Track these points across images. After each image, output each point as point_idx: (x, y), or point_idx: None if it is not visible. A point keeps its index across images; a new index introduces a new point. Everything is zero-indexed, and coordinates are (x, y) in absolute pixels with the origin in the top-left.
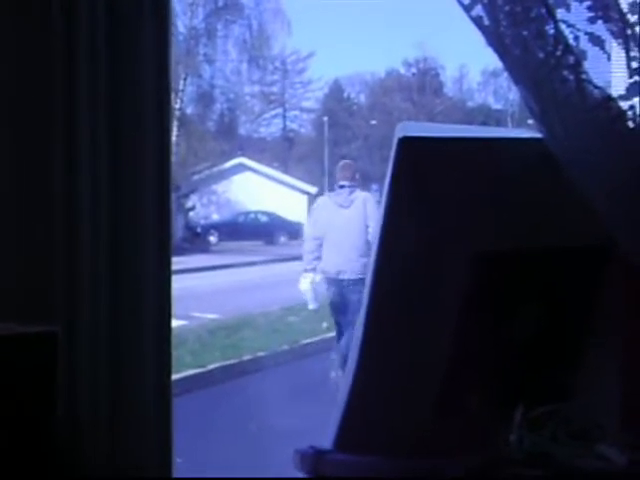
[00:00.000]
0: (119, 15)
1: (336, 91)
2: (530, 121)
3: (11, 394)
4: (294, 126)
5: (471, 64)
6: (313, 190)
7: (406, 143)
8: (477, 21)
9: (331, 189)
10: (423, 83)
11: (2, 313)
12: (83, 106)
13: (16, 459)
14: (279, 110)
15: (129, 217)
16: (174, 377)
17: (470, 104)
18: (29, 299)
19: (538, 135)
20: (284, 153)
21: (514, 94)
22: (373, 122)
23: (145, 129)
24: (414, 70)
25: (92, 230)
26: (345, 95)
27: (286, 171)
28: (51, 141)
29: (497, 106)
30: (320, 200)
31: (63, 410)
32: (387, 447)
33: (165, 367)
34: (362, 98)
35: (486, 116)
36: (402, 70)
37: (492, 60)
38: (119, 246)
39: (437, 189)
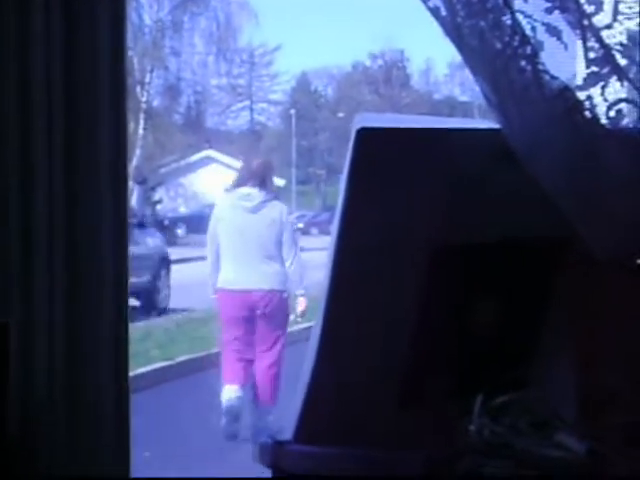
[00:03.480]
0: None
1: (303, 84)
2: None
3: None
4: (261, 119)
5: (437, 56)
6: (281, 182)
7: (364, 134)
8: (434, 11)
9: (299, 181)
10: (389, 76)
11: None
12: (37, 105)
13: None
14: (246, 103)
15: (84, 212)
16: (142, 370)
17: (437, 96)
18: None
19: (497, 126)
20: (251, 146)
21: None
22: (340, 114)
23: (101, 126)
24: (380, 62)
25: (47, 223)
26: (312, 88)
27: None
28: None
29: (464, 98)
30: None
31: (17, 408)
32: (347, 438)
33: (122, 364)
34: (329, 91)
35: (452, 108)
36: (368, 63)
37: None
38: (75, 238)
39: (395, 180)
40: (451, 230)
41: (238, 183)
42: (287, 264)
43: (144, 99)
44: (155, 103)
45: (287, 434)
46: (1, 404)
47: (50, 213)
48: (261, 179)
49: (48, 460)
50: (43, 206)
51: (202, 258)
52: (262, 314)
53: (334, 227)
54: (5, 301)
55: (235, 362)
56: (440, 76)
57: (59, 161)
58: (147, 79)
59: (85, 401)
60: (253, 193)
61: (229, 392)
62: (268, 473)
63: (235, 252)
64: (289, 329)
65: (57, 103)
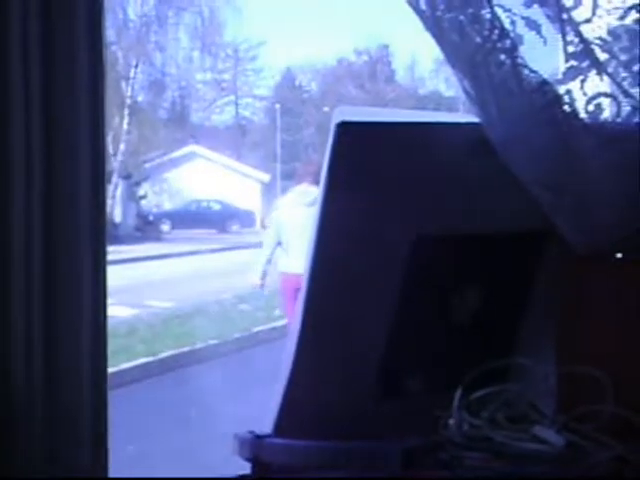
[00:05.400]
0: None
1: (288, 79)
2: None
3: None
4: (246, 114)
5: (423, 52)
6: (266, 178)
7: (344, 128)
8: (414, 5)
9: (284, 176)
10: (374, 71)
11: None
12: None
13: None
14: (231, 98)
15: (62, 209)
16: (127, 365)
17: (422, 91)
18: None
19: (477, 120)
20: (236, 141)
21: None
22: (325, 109)
23: (79, 116)
24: (365, 58)
25: (25, 219)
26: (297, 83)
27: (238, 159)
28: None
29: (449, 93)
30: None
31: None
32: (327, 431)
33: (101, 363)
34: (314, 86)
35: (437, 103)
36: (353, 58)
37: None
38: (52, 237)
39: (375, 174)
40: (431, 222)
41: (297, 181)
42: None
43: (129, 94)
44: (140, 98)
45: (267, 427)
46: None
47: (27, 210)
48: (318, 177)
49: (24, 459)
50: (20, 203)
51: (187, 254)
52: None
53: (315, 219)
54: None
55: None
56: (425, 71)
57: (37, 158)
58: (132, 74)
59: (63, 400)
60: (310, 190)
61: None
62: (247, 467)
63: (294, 241)
64: None
65: (35, 99)
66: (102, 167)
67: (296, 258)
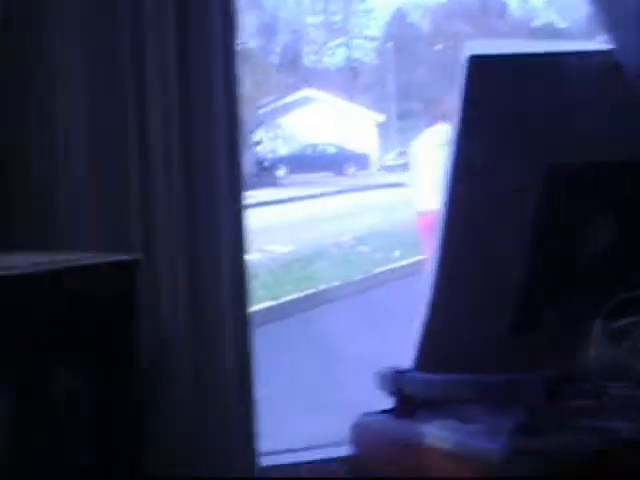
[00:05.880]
0: None
1: (398, 18)
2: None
3: (93, 321)
4: (358, 55)
5: None
6: (381, 118)
7: (476, 61)
8: None
9: (399, 117)
10: (485, 5)
11: (84, 244)
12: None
13: (102, 391)
14: (342, 39)
15: (201, 155)
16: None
17: (534, 24)
18: (109, 234)
19: (606, 47)
20: (349, 82)
21: (579, 12)
22: (437, 47)
23: (212, 64)
24: None
25: (165, 166)
26: (408, 21)
27: (352, 100)
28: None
29: (562, 25)
30: None
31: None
32: (465, 364)
33: (242, 302)
34: (425, 23)
35: (551, 35)
36: None
37: None
38: (192, 182)
39: (509, 105)
40: (563, 151)
41: (431, 122)
42: None
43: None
44: (251, 44)
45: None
46: (133, 341)
47: (167, 162)
48: (448, 116)
49: (171, 393)
50: (159, 155)
51: (304, 198)
52: None
53: (449, 155)
54: (129, 242)
55: None
56: (538, 2)
57: (176, 111)
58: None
59: (208, 337)
60: (444, 129)
61: None
62: (389, 400)
63: (430, 180)
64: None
65: (171, 65)
66: (236, 115)
67: (430, 197)
